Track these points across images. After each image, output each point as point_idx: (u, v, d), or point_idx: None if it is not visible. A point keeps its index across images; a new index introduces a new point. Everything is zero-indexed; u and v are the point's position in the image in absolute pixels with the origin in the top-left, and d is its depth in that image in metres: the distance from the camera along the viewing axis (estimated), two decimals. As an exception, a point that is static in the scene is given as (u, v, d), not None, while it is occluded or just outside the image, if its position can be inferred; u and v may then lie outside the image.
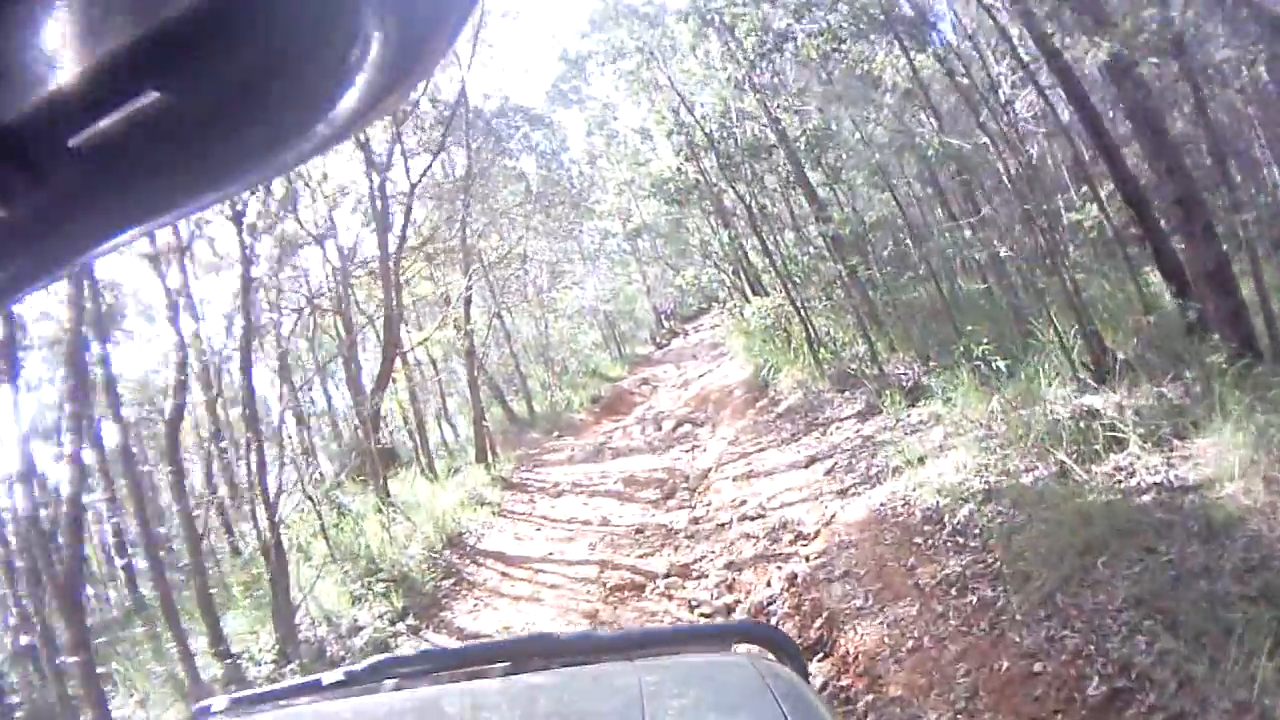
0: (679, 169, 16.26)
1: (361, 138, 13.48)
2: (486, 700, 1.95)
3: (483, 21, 16.20)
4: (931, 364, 11.11)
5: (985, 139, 10.49)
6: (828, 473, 9.59)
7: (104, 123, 0.56)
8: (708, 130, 14.47)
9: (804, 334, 13.58)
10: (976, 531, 6.81)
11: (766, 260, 15.03)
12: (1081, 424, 7.51)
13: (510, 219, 22.22)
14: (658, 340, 32.73)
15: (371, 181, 13.93)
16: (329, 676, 2.02)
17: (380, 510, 12.05)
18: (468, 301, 16.93)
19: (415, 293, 17.59)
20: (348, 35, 0.55)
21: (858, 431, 10.47)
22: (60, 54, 0.53)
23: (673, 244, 25.78)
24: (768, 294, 15.86)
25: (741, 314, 17.42)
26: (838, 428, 11.01)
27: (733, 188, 14.50)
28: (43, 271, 0.74)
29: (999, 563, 6.34)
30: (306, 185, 12.98)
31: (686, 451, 14.17)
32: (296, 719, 1.98)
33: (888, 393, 10.58)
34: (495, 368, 22.87)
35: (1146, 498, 6.49)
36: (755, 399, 14.54)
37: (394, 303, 13.59)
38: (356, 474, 13.63)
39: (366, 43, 0.55)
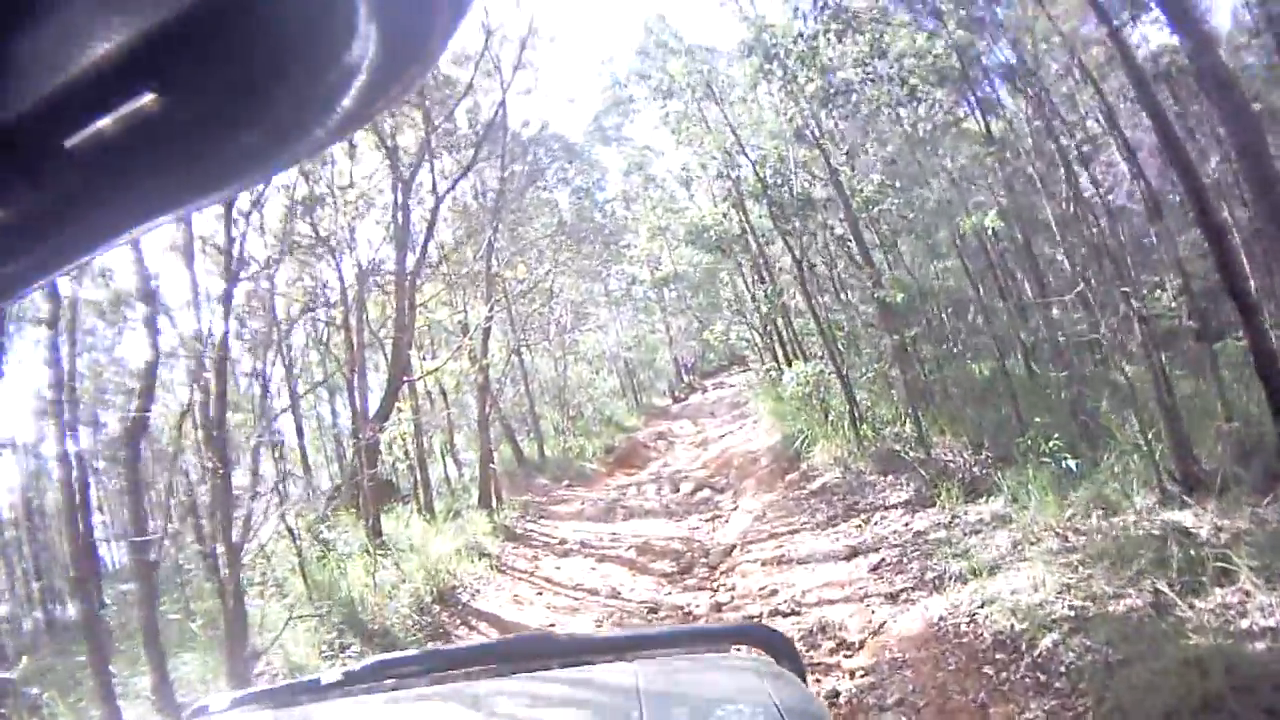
0: (724, 215, 15.31)
1: (390, 143, 12.68)
2: (486, 700, 1.93)
3: (528, 41, 15.49)
4: (985, 453, 10.07)
5: (1047, 211, 9.70)
6: (874, 570, 8.43)
7: (100, 124, 0.56)
8: (761, 175, 13.50)
9: (847, 406, 12.51)
10: (1062, 669, 5.70)
11: (811, 322, 13.99)
12: (1182, 548, 6.43)
13: (539, 250, 21.41)
14: (676, 394, 31.71)
15: (396, 192, 13.03)
16: (328, 676, 2.02)
17: (368, 551, 11.03)
18: (486, 333, 15.89)
19: (431, 317, 16.53)
20: (344, 36, 0.54)
21: (907, 525, 9.29)
22: (56, 56, 0.53)
23: (704, 296, 25.02)
24: (806, 358, 14.81)
25: (776, 378, 16.35)
26: (883, 517, 9.84)
27: (784, 239, 13.45)
28: (41, 272, 0.73)
29: (1092, 714, 5.25)
30: (329, 189, 12.08)
31: (706, 520, 13.06)
32: (295, 719, 1.95)
33: (943, 484, 9.46)
34: (509, 406, 21.99)
35: (1260, 645, 5.46)
36: (784, 471, 13.41)
37: (406, 325, 12.59)
38: (349, 505, 12.62)
39: (362, 44, 0.55)
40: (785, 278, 14.69)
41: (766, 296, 15.33)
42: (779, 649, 2.10)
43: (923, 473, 10.11)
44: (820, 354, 14.51)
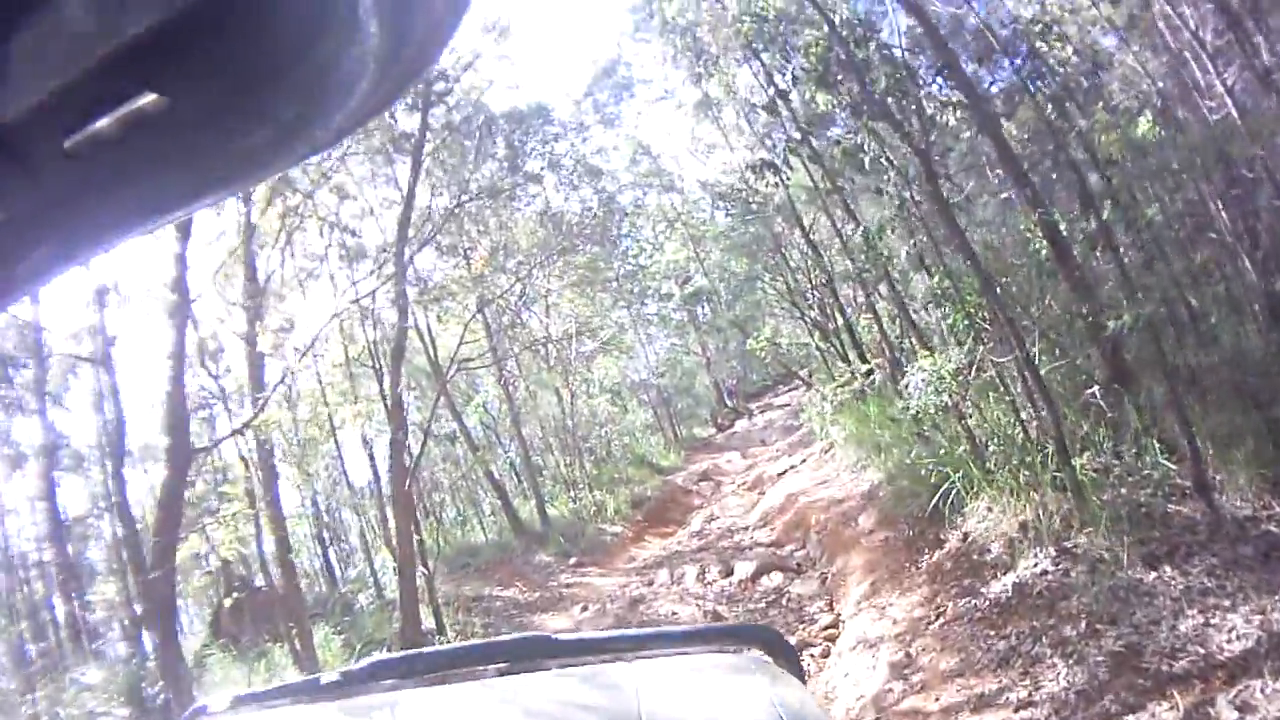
0: (772, 102, 9.30)
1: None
2: (484, 701, 1.89)
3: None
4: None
5: None
6: None
7: (100, 124, 0.56)
8: (832, 20, 7.39)
9: (1041, 425, 6.53)
10: None
11: (941, 280, 7.82)
12: None
13: (520, 248, 16.15)
14: (719, 421, 27.65)
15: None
16: (327, 676, 1.99)
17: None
18: (398, 354, 9.98)
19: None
20: (344, 37, 0.54)
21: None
22: (56, 56, 0.52)
23: (742, 305, 20.57)
24: (924, 350, 8.69)
25: (878, 383, 10.27)
26: (1238, 706, 3.78)
27: (892, 122, 7.14)
28: (41, 272, 0.71)
29: None
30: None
31: (788, 655, 7.21)
32: (294, 719, 1.90)
33: None
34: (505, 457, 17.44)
35: None
36: (916, 545, 7.38)
37: (176, 354, 6.90)
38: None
39: (363, 45, 0.55)
40: (896, 195, 8.40)
41: (868, 239, 8.76)
42: (777, 649, 2.01)
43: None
44: (939, 342, 8.74)
